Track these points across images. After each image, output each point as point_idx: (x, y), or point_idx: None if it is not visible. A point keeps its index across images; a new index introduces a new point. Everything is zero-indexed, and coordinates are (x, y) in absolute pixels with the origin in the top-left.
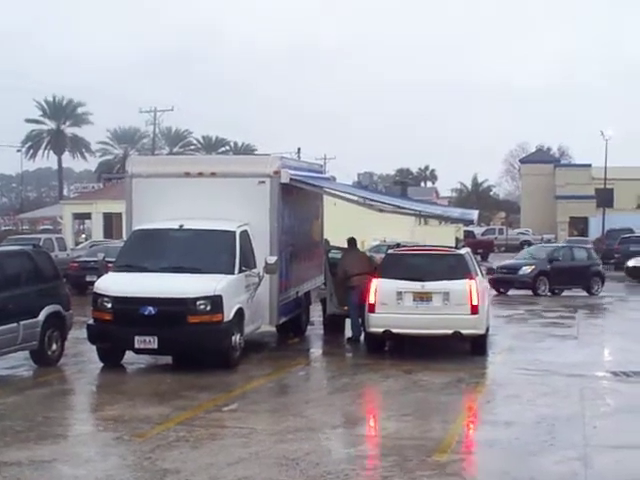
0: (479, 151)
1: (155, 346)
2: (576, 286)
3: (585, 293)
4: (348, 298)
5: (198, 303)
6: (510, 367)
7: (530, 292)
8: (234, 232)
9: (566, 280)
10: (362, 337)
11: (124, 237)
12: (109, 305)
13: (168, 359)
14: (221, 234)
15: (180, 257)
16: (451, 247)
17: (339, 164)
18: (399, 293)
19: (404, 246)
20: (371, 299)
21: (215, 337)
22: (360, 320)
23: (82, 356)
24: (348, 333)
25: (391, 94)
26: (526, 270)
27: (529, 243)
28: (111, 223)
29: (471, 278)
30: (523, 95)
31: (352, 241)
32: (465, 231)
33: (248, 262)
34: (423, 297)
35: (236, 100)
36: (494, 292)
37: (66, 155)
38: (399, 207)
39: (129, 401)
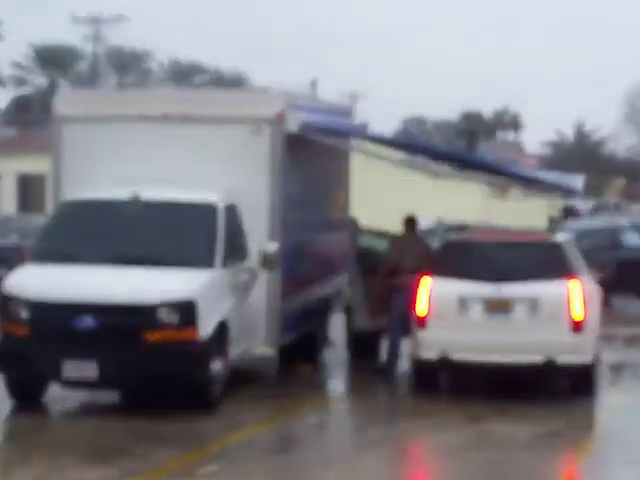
0: (585, 86)
1: (94, 375)
2: None
3: None
4: (391, 304)
5: (160, 312)
6: (632, 415)
7: None
8: (215, 206)
9: None
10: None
11: (49, 211)
12: (25, 314)
13: (114, 396)
14: (196, 209)
15: (134, 243)
16: (543, 231)
17: (375, 104)
18: (462, 301)
19: (471, 230)
20: (421, 309)
21: (185, 363)
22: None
23: None
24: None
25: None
26: None
27: None
28: (29, 190)
29: (573, 278)
30: None
31: (411, 222)
32: (565, 207)
33: (236, 251)
34: (499, 307)
35: (222, 5)
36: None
37: None
38: (464, 169)
39: (53, 460)
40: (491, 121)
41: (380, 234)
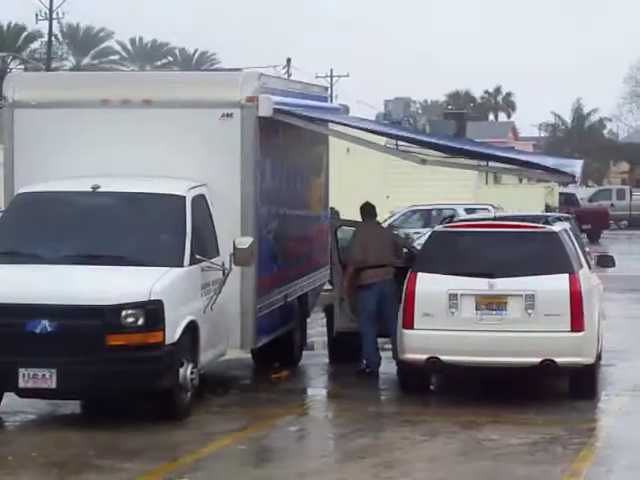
0: (584, 63)
1: (53, 385)
2: None
3: None
4: (359, 304)
5: (123, 314)
6: (637, 419)
7: None
8: (182, 197)
9: None
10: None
11: (1, 205)
12: None
13: (75, 406)
14: (161, 201)
15: (94, 239)
16: (539, 219)
17: (355, 86)
18: (453, 297)
19: (461, 220)
20: (407, 307)
21: (151, 369)
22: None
23: None
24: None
25: None
26: None
27: None
28: None
29: (572, 272)
30: None
31: (368, 210)
32: (562, 194)
33: (206, 247)
34: (492, 303)
35: None
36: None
37: None
38: (453, 154)
39: (9, 476)
40: (482, 101)
41: (356, 224)
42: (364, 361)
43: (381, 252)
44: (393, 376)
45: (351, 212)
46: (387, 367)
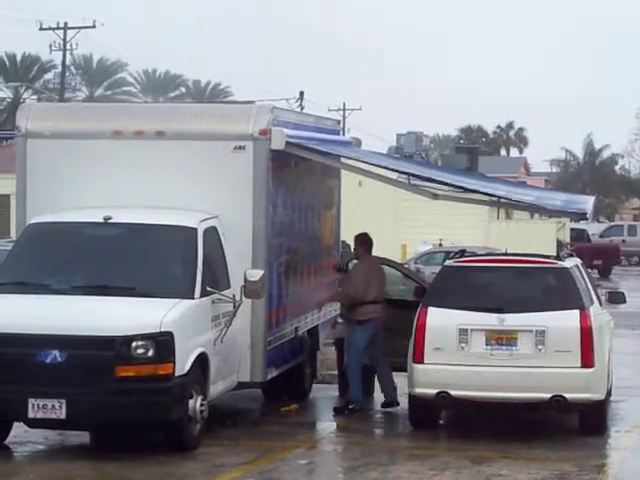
0: (595, 100)
1: (63, 415)
2: None
3: None
4: (353, 338)
5: (134, 345)
6: None
7: None
8: (194, 230)
9: None
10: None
11: (13, 234)
12: None
13: (84, 437)
14: (173, 232)
15: (105, 269)
16: (550, 256)
17: (367, 119)
18: (463, 332)
19: (472, 254)
20: (418, 341)
21: (161, 401)
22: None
23: None
24: (381, 394)
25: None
26: None
27: None
28: None
29: (582, 308)
30: None
31: (369, 241)
32: (573, 230)
33: (217, 279)
34: (503, 339)
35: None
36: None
37: None
38: (465, 190)
39: None
40: (493, 136)
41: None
42: (349, 397)
43: (380, 288)
44: (403, 410)
45: None
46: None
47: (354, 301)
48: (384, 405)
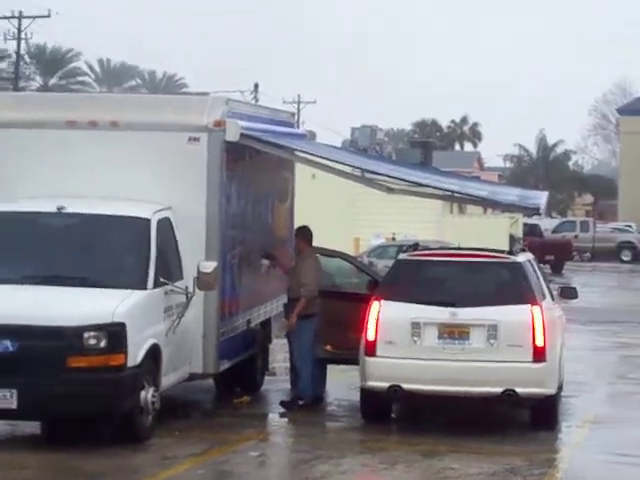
0: (551, 95)
1: (13, 405)
2: None
3: None
4: (306, 333)
5: (86, 336)
6: (597, 451)
7: None
8: (148, 220)
9: None
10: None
11: None
12: None
13: (34, 427)
14: (126, 223)
15: (57, 259)
16: (502, 251)
17: (322, 112)
18: (415, 325)
19: (424, 248)
20: (370, 334)
21: (113, 392)
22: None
23: None
24: (333, 387)
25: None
26: None
27: (633, 246)
28: None
29: (534, 303)
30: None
31: (307, 234)
32: (526, 225)
33: (170, 270)
34: (455, 332)
35: (162, 4)
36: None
37: None
38: (418, 184)
39: None
40: (448, 130)
41: (329, 253)
42: (295, 390)
43: (321, 281)
44: (354, 403)
45: (316, 239)
46: (348, 394)
47: (312, 296)
48: (282, 403)
